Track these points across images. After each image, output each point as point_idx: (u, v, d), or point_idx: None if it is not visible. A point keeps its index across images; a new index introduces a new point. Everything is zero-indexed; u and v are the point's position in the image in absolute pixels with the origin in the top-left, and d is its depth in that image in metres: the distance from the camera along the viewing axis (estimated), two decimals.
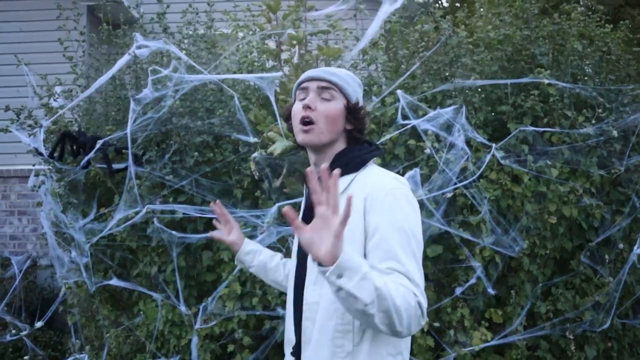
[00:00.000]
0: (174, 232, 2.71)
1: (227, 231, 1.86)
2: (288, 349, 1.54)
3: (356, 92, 1.51)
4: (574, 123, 2.57)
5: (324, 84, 1.47)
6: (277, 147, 2.48)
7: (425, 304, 1.27)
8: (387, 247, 1.30)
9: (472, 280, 2.46)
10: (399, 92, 2.50)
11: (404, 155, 2.58)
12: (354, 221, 1.34)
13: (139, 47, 2.87)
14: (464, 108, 2.47)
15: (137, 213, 2.77)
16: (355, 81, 1.52)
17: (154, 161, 2.83)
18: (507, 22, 2.70)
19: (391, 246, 1.30)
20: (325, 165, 1.18)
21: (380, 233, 1.32)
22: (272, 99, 2.52)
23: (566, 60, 2.64)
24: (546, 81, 2.44)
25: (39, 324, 3.76)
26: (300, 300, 1.46)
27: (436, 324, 2.55)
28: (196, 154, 2.76)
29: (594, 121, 2.54)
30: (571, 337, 2.50)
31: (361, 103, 1.51)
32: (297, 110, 1.48)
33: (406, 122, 2.49)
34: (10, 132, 3.33)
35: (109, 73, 2.90)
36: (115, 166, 2.86)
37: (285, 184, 2.67)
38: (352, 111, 1.48)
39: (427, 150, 2.48)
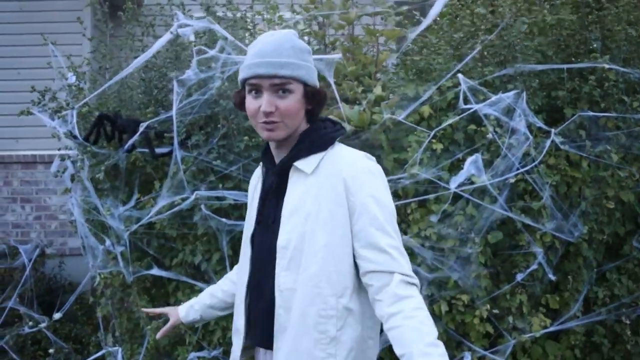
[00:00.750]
0: (223, 220, 2.63)
1: (166, 320, 1.83)
2: (237, 338, 1.51)
3: (308, 67, 1.39)
4: (628, 108, 2.58)
5: (277, 80, 1.34)
6: None
7: (414, 276, 1.33)
8: (379, 224, 1.32)
9: (534, 266, 2.46)
10: (460, 76, 2.47)
11: (463, 141, 2.56)
12: (332, 201, 1.35)
13: (180, 26, 2.75)
14: (524, 93, 2.45)
15: (183, 200, 2.67)
16: (304, 53, 1.39)
17: (199, 145, 2.73)
18: (558, 6, 2.67)
19: (382, 223, 1.32)
20: None
21: (370, 212, 1.33)
22: (332, 81, 2.45)
23: (617, 45, 2.63)
24: (607, 66, 2.44)
25: (57, 316, 3.62)
26: (262, 288, 1.44)
27: (495, 311, 2.54)
28: (245, 137, 2.67)
29: None
30: (627, 322, 2.53)
31: (316, 80, 1.42)
32: (254, 110, 1.38)
33: (468, 106, 2.46)
34: (33, 114, 3.17)
35: (149, 52, 2.77)
36: (158, 150, 2.74)
37: None
38: (310, 96, 1.40)
39: (489, 136, 2.45)
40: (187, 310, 1.78)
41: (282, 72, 1.33)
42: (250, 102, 1.39)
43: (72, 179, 3.21)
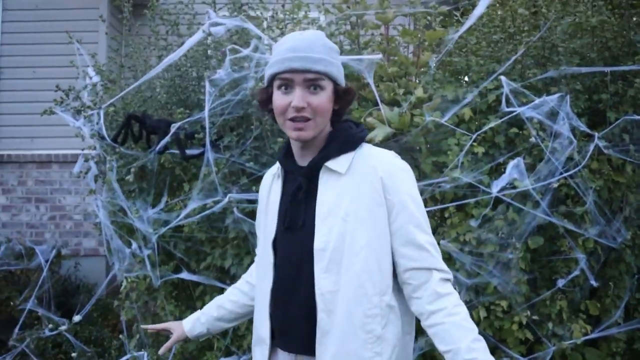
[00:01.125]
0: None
1: (171, 336, 1.77)
2: (261, 347, 1.46)
3: (338, 66, 1.39)
4: None
5: (311, 75, 1.32)
6: (379, 134, 2.36)
7: (449, 271, 1.36)
8: (417, 221, 1.35)
9: (576, 272, 2.41)
10: (502, 78, 2.41)
11: (504, 144, 2.51)
12: (372, 200, 1.34)
13: (213, 25, 2.69)
14: (568, 96, 2.40)
15: (215, 202, 2.62)
16: (333, 52, 1.39)
17: (231, 147, 2.68)
18: (600, 7, 2.62)
19: (420, 220, 1.36)
20: None
21: (408, 210, 1.35)
22: (371, 82, 2.39)
23: None
24: None
25: (77, 318, 3.56)
26: (292, 294, 1.40)
27: (534, 317, 2.49)
28: (280, 139, 2.61)
29: None
30: None
31: (343, 79, 1.41)
32: (283, 106, 1.34)
33: (511, 109, 2.40)
34: (55, 114, 3.11)
35: (180, 51, 2.71)
36: (189, 152, 2.69)
37: None
38: (339, 94, 1.39)
39: (533, 139, 2.40)
40: (193, 324, 1.73)
41: (316, 67, 1.32)
42: (280, 98, 1.35)
43: (96, 180, 3.16)
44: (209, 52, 2.96)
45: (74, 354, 3.06)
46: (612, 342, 2.49)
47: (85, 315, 4.09)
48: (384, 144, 2.43)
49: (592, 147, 2.41)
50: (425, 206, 2.41)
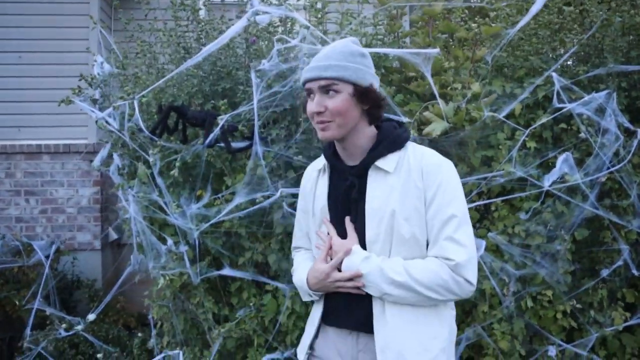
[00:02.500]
0: None
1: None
2: (312, 327, 1.65)
3: (360, 71, 1.50)
4: None
5: (323, 82, 1.48)
6: (437, 128, 2.37)
7: (467, 265, 1.44)
8: (444, 216, 1.46)
9: (619, 262, 2.52)
10: (553, 74, 2.47)
11: (551, 139, 2.57)
12: (415, 197, 1.49)
13: (256, 13, 2.61)
14: (614, 93, 2.48)
15: (265, 197, 2.55)
16: (355, 57, 1.51)
17: (275, 140, 2.61)
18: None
19: (448, 215, 1.46)
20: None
21: (436, 204, 1.47)
22: (429, 75, 2.39)
23: None
24: None
25: (91, 317, 3.42)
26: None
27: (578, 305, 2.59)
28: None
29: None
30: None
31: (371, 81, 1.52)
32: (310, 113, 1.52)
33: (562, 105, 2.46)
34: (73, 103, 2.94)
35: (220, 40, 2.61)
36: (234, 145, 2.60)
37: None
38: (361, 95, 1.50)
39: (582, 135, 2.47)
40: None
41: (326, 74, 1.47)
42: (308, 106, 1.53)
43: (120, 173, 3.03)
44: (245, 41, 2.86)
45: (99, 355, 2.93)
46: None
47: (83, 313, 3.95)
48: (441, 138, 2.45)
49: (635, 142, 2.51)
50: (473, 200, 2.46)
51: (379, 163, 1.53)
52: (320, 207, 1.64)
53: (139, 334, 3.36)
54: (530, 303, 2.55)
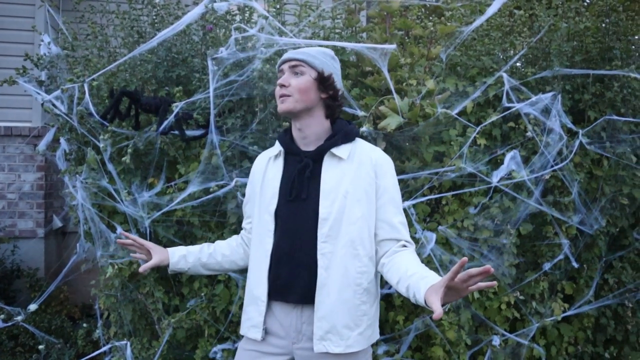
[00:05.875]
0: None
1: (148, 255, 1.94)
2: (256, 306, 1.74)
3: (327, 65, 1.74)
4: None
5: (293, 62, 1.72)
6: (392, 123, 2.41)
7: (412, 242, 1.75)
8: (395, 203, 1.73)
9: (560, 256, 2.65)
10: (504, 75, 2.56)
11: (500, 137, 2.66)
12: (367, 183, 1.70)
13: (214, 0, 2.56)
14: (559, 95, 2.60)
15: (219, 186, 2.53)
16: (326, 55, 1.76)
17: (230, 130, 2.59)
18: (583, 14, 2.83)
19: (397, 203, 1.74)
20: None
21: (390, 193, 1.73)
22: (385, 71, 2.42)
23: (633, 54, 2.85)
24: (633, 75, 2.64)
25: (32, 307, 3.28)
26: (294, 254, 1.70)
27: (521, 297, 2.70)
28: (285, 122, 2.57)
29: None
30: (629, 305, 2.81)
31: (332, 74, 1.74)
32: (277, 90, 1.73)
33: (511, 105, 2.56)
34: (16, 83, 2.81)
35: (176, 26, 2.55)
36: (189, 133, 2.56)
37: None
38: (322, 80, 1.72)
39: (529, 134, 2.58)
40: (179, 259, 1.93)
41: (297, 56, 1.71)
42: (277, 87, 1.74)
43: (67, 158, 2.92)
44: (202, 27, 2.81)
45: (41, 347, 2.82)
46: (584, 318, 2.78)
47: (24, 304, 3.79)
48: (396, 132, 2.49)
49: (577, 142, 2.64)
50: (425, 194, 2.53)
51: (334, 150, 1.72)
52: (271, 188, 1.78)
53: (84, 325, 3.26)
54: (476, 294, 2.65)
